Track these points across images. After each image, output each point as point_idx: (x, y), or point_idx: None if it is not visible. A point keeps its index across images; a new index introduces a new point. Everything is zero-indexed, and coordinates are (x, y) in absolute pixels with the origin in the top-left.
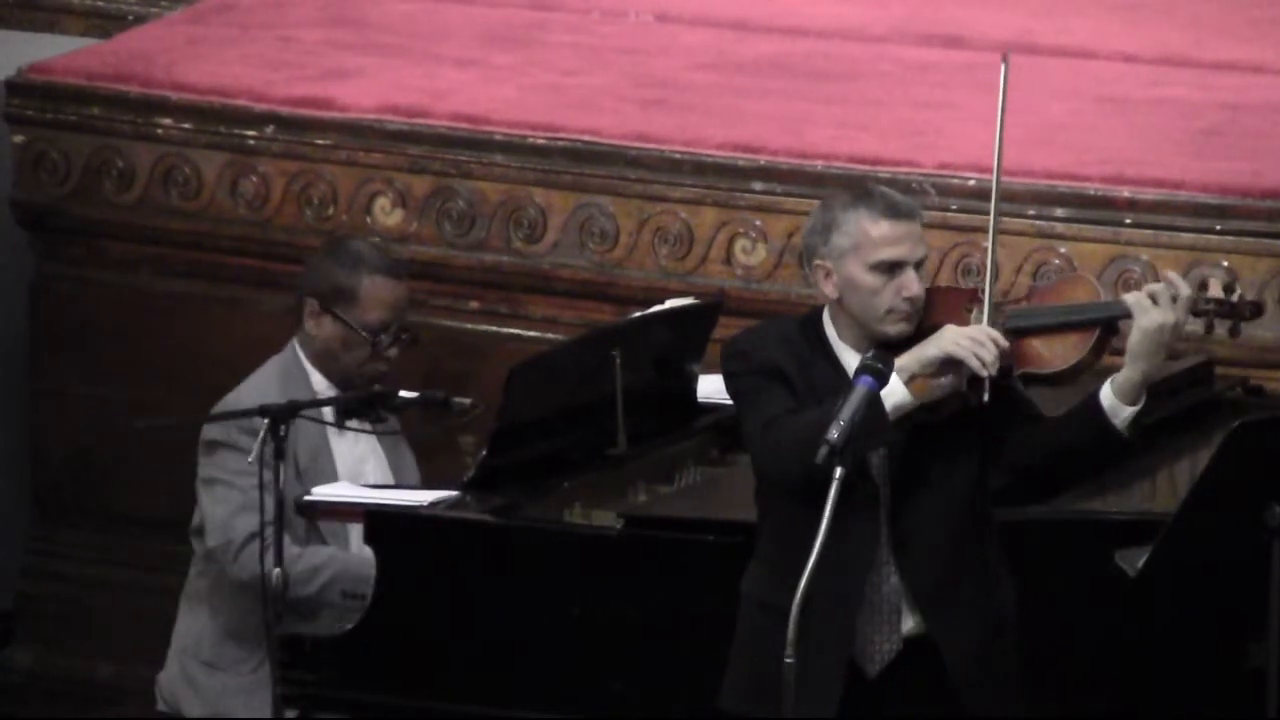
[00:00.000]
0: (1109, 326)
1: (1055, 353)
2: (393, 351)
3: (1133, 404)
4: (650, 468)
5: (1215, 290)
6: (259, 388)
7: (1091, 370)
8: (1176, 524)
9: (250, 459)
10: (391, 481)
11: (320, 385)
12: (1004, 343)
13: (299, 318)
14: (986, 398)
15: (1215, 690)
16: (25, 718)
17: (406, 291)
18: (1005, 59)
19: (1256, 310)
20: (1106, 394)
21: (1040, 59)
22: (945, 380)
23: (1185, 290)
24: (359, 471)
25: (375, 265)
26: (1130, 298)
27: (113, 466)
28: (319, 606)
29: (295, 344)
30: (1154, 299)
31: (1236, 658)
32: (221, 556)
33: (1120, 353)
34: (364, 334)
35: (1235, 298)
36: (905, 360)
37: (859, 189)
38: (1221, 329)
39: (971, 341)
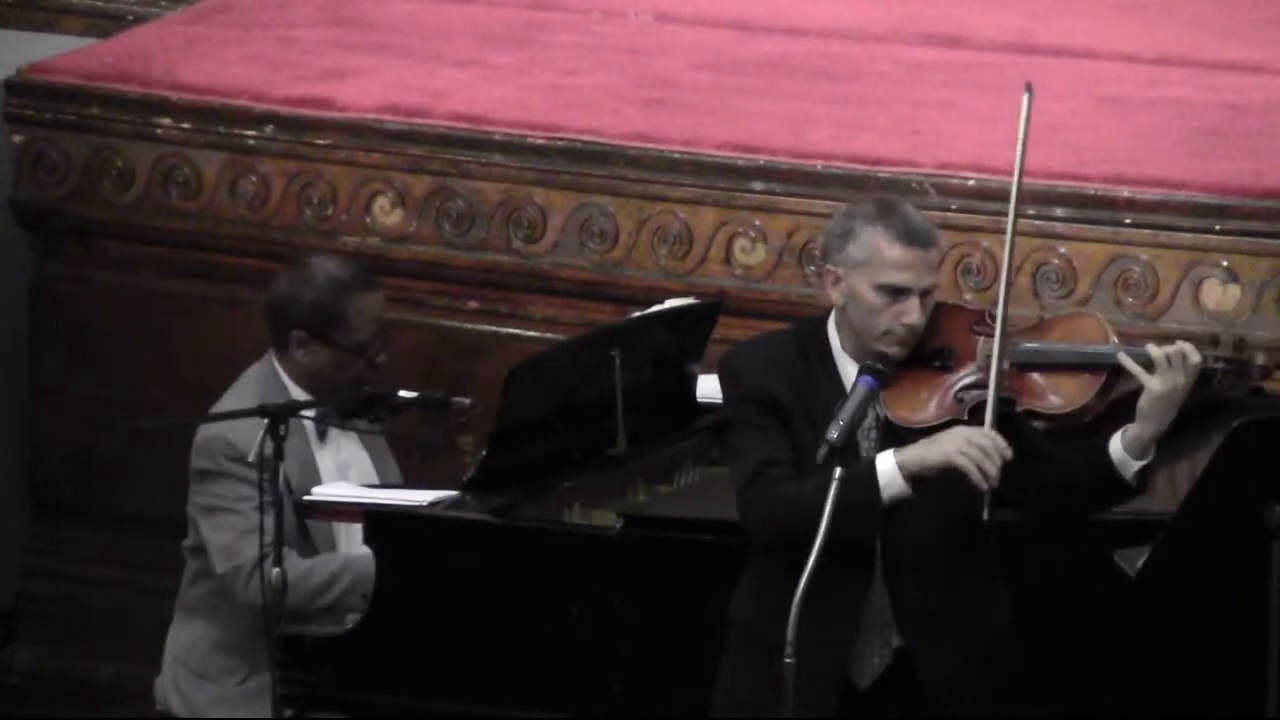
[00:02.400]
0: (1117, 370)
1: (1061, 393)
2: (382, 358)
3: (1141, 458)
4: (650, 468)
5: (1226, 349)
6: (237, 404)
7: (1096, 414)
8: (1176, 524)
9: (250, 457)
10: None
11: (299, 398)
12: (1009, 454)
13: (280, 344)
14: (986, 515)
15: (1215, 690)
16: (25, 718)
17: (383, 295)
18: (1029, 90)
19: (1267, 373)
20: (1116, 448)
21: (1040, 59)
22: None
23: (1196, 358)
24: (343, 478)
25: (355, 284)
26: (1143, 359)
27: (113, 466)
28: (341, 613)
29: (272, 359)
30: (1169, 361)
31: (1237, 658)
32: (231, 582)
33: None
34: (357, 352)
35: (1246, 356)
36: (907, 459)
37: (887, 204)
38: (1228, 384)
39: (979, 452)
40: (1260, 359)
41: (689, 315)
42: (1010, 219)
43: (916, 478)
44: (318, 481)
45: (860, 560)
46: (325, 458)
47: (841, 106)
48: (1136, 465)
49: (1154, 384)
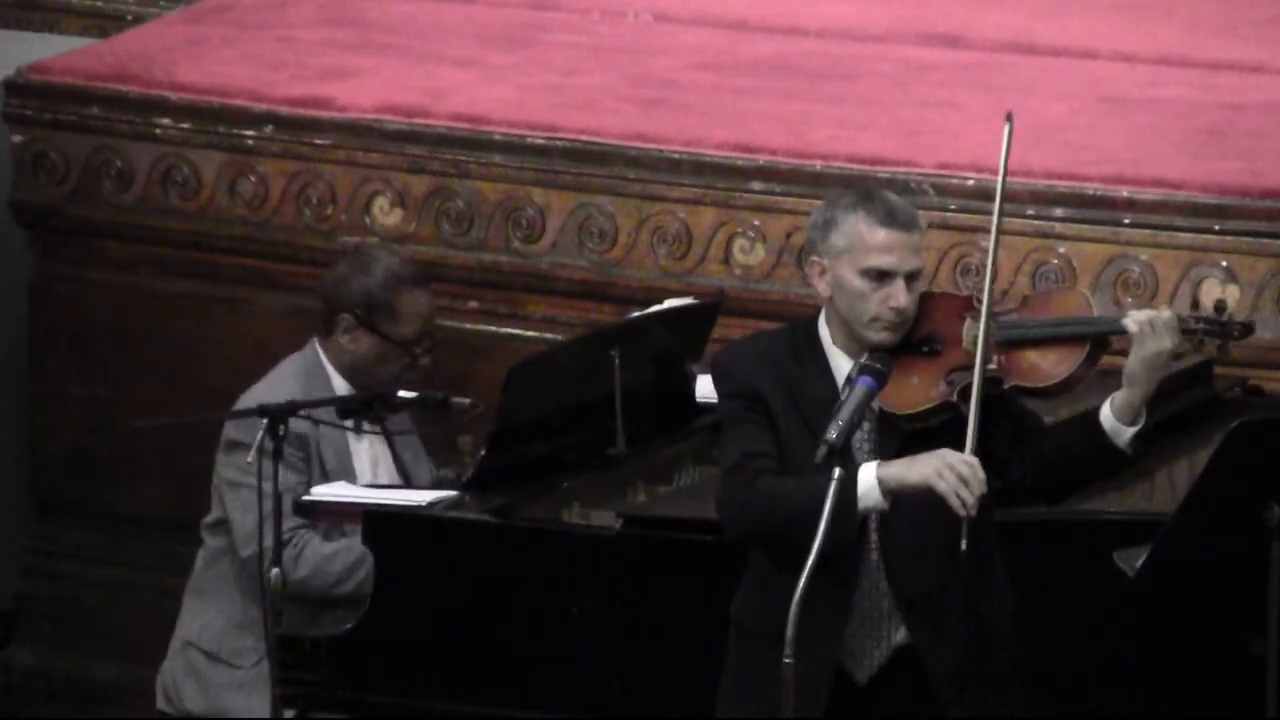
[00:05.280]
0: (1100, 341)
1: (1047, 365)
2: (426, 360)
3: (1133, 424)
4: (649, 468)
5: (1206, 309)
6: (280, 386)
7: (1084, 384)
8: (1176, 524)
9: (249, 458)
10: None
11: (341, 389)
12: (984, 489)
13: (327, 328)
14: (964, 545)
15: (1215, 690)
16: (25, 718)
17: (433, 299)
18: (1009, 119)
19: (1246, 330)
20: (1106, 415)
21: (1040, 59)
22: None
23: (1168, 314)
24: (374, 476)
25: (409, 278)
26: (1129, 323)
27: (113, 466)
28: (358, 601)
29: (316, 346)
30: (1151, 325)
31: (1236, 658)
32: (255, 567)
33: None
34: (403, 347)
35: (1225, 317)
36: (887, 475)
37: (865, 191)
38: (1210, 346)
39: (956, 479)
40: (1239, 317)
41: (688, 315)
42: (993, 236)
43: (893, 493)
44: (352, 473)
45: (856, 553)
46: (361, 451)
47: (841, 106)
48: (1129, 431)
49: (1140, 347)
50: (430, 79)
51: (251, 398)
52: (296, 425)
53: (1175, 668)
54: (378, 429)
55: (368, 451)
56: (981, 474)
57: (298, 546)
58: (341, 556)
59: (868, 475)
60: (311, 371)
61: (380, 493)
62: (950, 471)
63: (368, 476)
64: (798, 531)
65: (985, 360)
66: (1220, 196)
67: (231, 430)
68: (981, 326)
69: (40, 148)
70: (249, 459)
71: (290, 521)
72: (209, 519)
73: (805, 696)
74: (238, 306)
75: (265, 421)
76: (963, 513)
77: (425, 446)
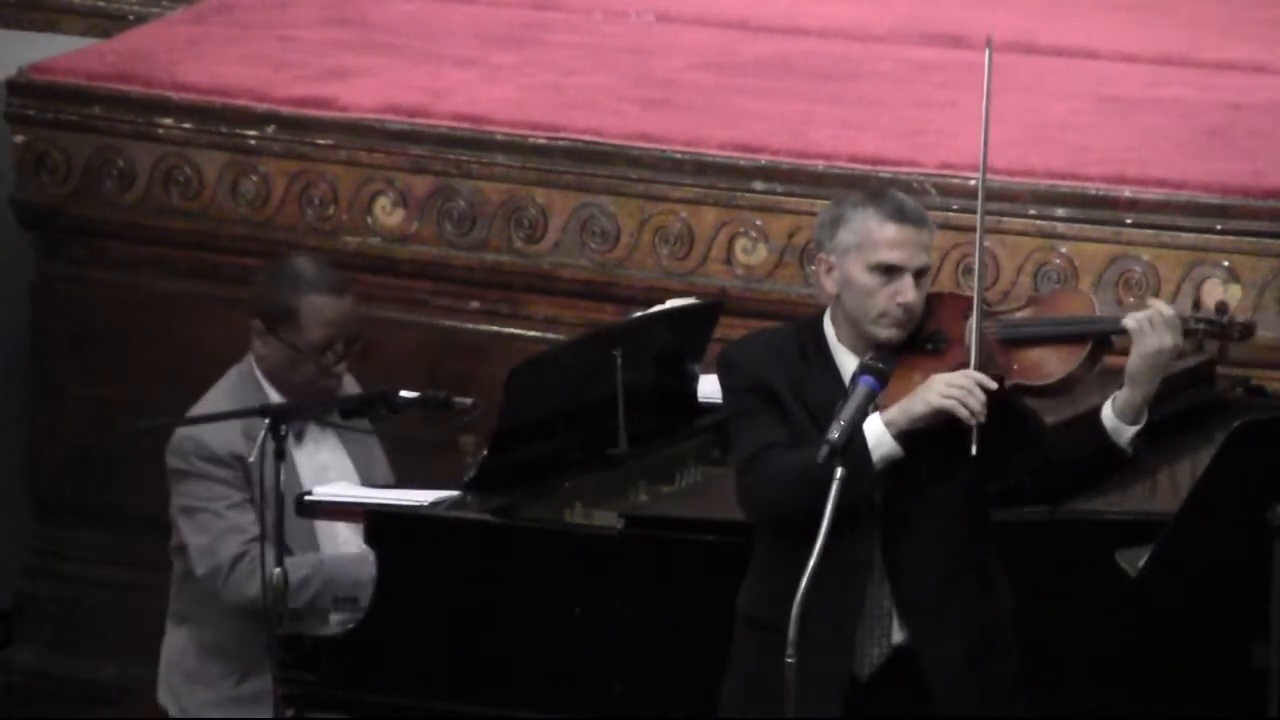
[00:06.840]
0: (1102, 340)
1: (1048, 364)
2: (340, 367)
3: (1134, 423)
4: (651, 468)
5: (1207, 310)
6: (214, 403)
7: (1084, 383)
8: (1178, 524)
9: (252, 458)
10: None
11: (274, 397)
12: (991, 385)
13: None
14: (975, 449)
15: (1216, 690)
16: (25, 718)
17: (351, 306)
18: (989, 44)
19: (1247, 332)
20: (1108, 415)
21: (1040, 59)
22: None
23: (1169, 311)
24: (322, 479)
25: (314, 284)
26: (1129, 322)
27: (113, 466)
28: (313, 615)
29: (251, 359)
30: (1150, 323)
31: (1238, 658)
32: (210, 583)
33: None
34: (308, 353)
35: (1226, 318)
36: (894, 415)
37: (875, 190)
38: (1211, 346)
39: (960, 390)
40: (1240, 318)
41: (690, 315)
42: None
43: (905, 434)
44: (295, 482)
45: (862, 553)
46: (302, 459)
47: (843, 106)
48: (1130, 430)
49: (1141, 344)
50: (432, 79)
51: (193, 414)
52: (230, 444)
53: (1175, 668)
54: (330, 425)
55: (311, 458)
56: (979, 376)
57: (253, 562)
58: (291, 571)
59: (874, 426)
60: (246, 385)
61: (382, 493)
62: (952, 387)
63: (313, 481)
64: (821, 497)
65: (980, 353)
66: (1222, 196)
67: (171, 460)
68: (973, 320)
69: (42, 148)
70: (252, 458)
71: (243, 536)
72: (173, 542)
73: (817, 696)
74: (238, 306)
75: (268, 422)
76: (973, 421)
77: (426, 447)
